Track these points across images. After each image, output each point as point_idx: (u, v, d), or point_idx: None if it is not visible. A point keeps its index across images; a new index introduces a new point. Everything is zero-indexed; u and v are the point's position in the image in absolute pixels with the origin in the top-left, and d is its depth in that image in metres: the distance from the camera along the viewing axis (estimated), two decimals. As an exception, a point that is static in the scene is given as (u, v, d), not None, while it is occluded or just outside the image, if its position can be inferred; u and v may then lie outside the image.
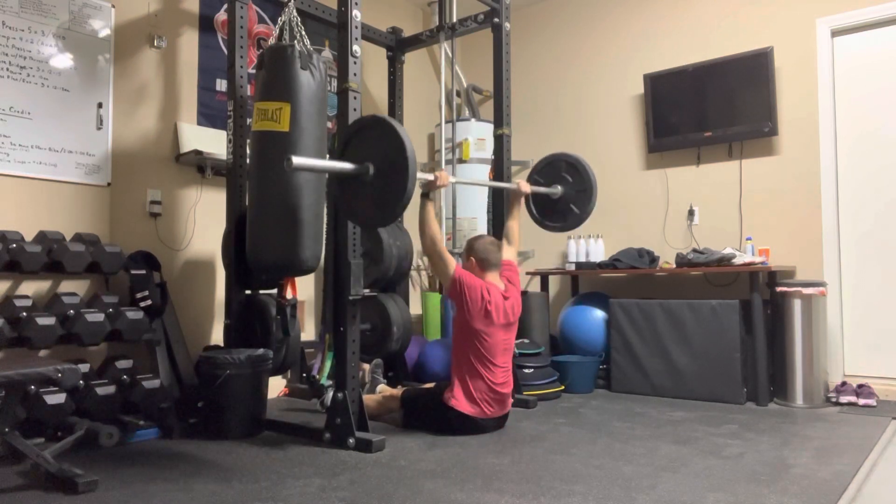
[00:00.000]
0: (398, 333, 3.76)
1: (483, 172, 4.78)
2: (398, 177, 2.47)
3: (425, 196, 3.01)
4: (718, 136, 4.29)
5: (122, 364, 3.10)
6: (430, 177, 2.94)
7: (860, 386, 3.72)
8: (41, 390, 2.68)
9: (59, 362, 2.26)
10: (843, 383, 3.76)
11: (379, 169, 2.54)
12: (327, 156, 3.25)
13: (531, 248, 5.11)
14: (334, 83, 3.31)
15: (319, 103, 3.06)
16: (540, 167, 3.75)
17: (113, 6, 3.43)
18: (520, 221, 3.52)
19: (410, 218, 4.77)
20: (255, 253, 3.08)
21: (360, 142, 2.62)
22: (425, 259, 5.11)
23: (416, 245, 4.72)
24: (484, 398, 2.98)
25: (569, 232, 4.89)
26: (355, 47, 2.93)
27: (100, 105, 3.37)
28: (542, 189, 3.64)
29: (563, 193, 3.65)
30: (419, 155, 5.34)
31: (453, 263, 3.04)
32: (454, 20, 4.22)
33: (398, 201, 2.49)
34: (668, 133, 4.50)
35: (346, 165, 2.56)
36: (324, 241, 3.23)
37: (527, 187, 3.53)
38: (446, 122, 4.64)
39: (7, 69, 3.05)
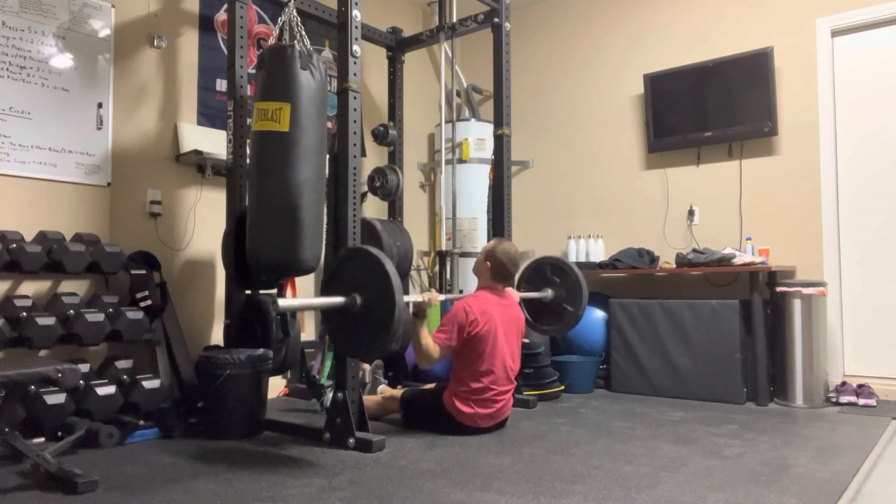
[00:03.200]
0: (398, 333, 3.75)
1: (483, 172, 4.78)
2: (385, 309, 2.42)
3: (416, 315, 2.93)
4: (718, 136, 4.29)
5: (122, 364, 3.10)
6: (420, 298, 2.92)
7: (860, 386, 3.72)
8: (41, 390, 2.68)
9: (59, 362, 2.26)
10: (843, 383, 3.76)
11: (366, 301, 2.48)
12: (326, 158, 3.24)
13: (531, 248, 5.10)
14: (334, 83, 3.31)
15: (319, 103, 3.06)
16: (527, 275, 3.77)
17: (113, 6, 3.43)
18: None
19: (410, 216, 4.78)
20: (255, 253, 3.08)
21: (348, 271, 2.57)
22: (425, 259, 5.12)
23: (417, 245, 4.73)
24: (484, 401, 2.98)
25: (569, 231, 4.92)
26: (355, 47, 2.93)
27: (100, 105, 3.37)
28: (531, 294, 3.65)
29: (554, 296, 3.68)
30: (419, 155, 5.35)
31: (439, 347, 2.94)
32: (454, 20, 4.22)
33: (385, 336, 2.42)
34: (668, 133, 4.50)
35: (335, 300, 2.50)
36: (324, 241, 3.23)
37: (515, 295, 3.43)
38: (446, 122, 4.64)
39: (7, 69, 3.05)
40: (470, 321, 2.94)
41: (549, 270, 3.72)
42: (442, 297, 3.12)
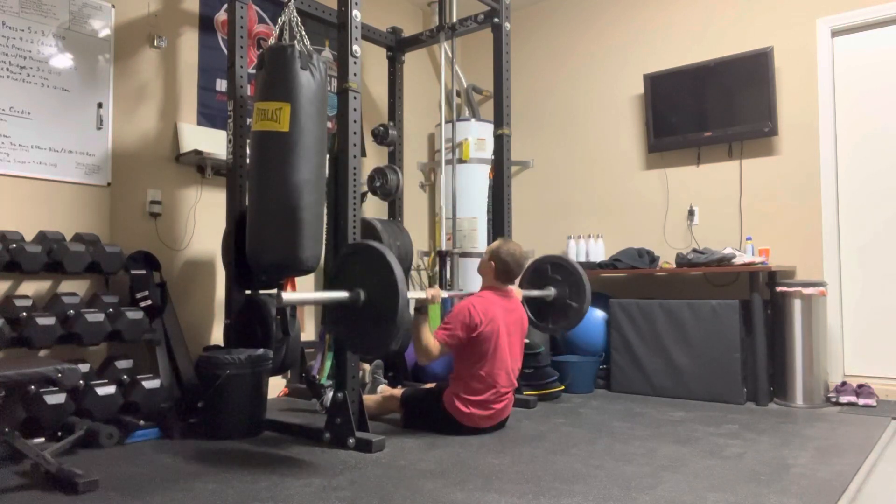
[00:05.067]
0: (402, 328, 3.75)
1: (483, 172, 4.78)
2: (389, 303, 2.43)
3: (418, 311, 2.94)
4: (718, 136, 4.29)
5: (122, 364, 3.10)
6: (423, 295, 2.93)
7: (860, 386, 3.72)
8: (41, 390, 2.68)
9: (59, 362, 2.26)
10: (843, 383, 3.76)
11: (370, 296, 2.50)
12: (326, 166, 3.24)
13: (531, 247, 5.10)
14: (334, 83, 3.31)
15: (319, 103, 3.06)
16: (527, 276, 3.76)
17: (113, 6, 3.43)
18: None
19: (410, 216, 4.78)
20: (255, 253, 3.08)
21: (352, 266, 2.58)
22: (425, 259, 5.12)
23: (417, 245, 4.73)
24: (484, 404, 2.97)
25: (569, 231, 4.92)
26: (355, 47, 2.93)
27: (100, 105, 3.37)
28: (534, 293, 3.64)
29: (557, 294, 3.66)
30: (419, 155, 5.35)
31: (439, 345, 2.94)
32: (454, 20, 4.22)
33: (389, 333, 2.43)
34: (668, 133, 4.50)
35: (340, 295, 2.51)
36: (324, 241, 3.23)
37: (518, 293, 3.45)
38: (446, 122, 4.64)
39: (7, 69, 3.05)
40: (474, 322, 2.94)
41: (549, 269, 3.72)
42: (445, 294, 3.12)
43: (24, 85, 3.10)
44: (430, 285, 5.04)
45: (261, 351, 3.11)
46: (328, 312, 2.71)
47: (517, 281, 3.29)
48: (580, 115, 5.04)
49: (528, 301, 3.67)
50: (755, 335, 3.75)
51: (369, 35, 4.31)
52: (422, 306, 2.94)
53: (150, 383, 3.04)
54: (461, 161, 4.78)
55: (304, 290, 4.22)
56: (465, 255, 4.49)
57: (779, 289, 3.78)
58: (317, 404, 3.43)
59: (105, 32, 3.40)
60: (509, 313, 3.09)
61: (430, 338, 2.93)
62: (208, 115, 3.84)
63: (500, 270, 3.10)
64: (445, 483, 2.28)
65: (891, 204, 3.88)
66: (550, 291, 3.66)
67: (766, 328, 3.77)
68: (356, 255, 2.60)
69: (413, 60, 5.00)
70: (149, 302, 3.26)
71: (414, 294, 2.83)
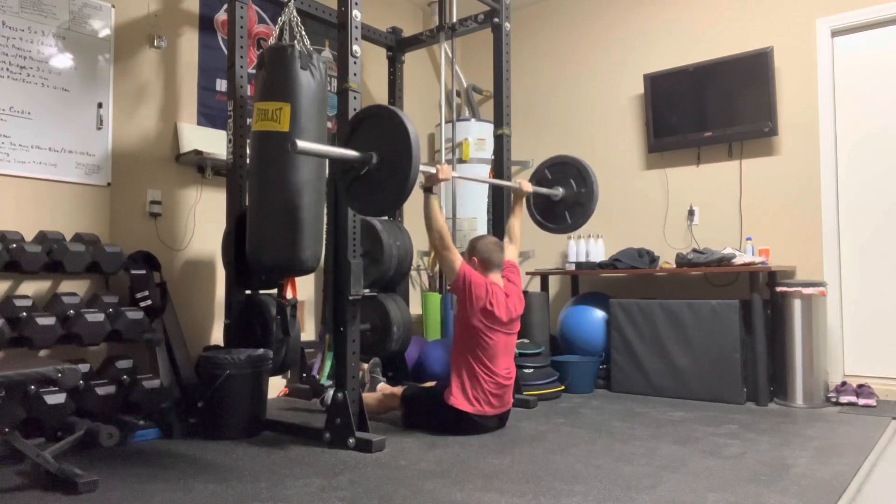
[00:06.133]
0: (398, 333, 3.76)
1: (483, 172, 4.78)
2: (401, 165, 2.50)
3: (428, 190, 3.03)
4: (718, 136, 4.29)
5: (122, 364, 3.10)
6: (432, 170, 2.99)
7: (860, 386, 3.72)
8: (41, 390, 2.68)
9: (59, 362, 2.25)
10: (843, 383, 3.76)
11: (383, 158, 2.57)
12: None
13: (531, 248, 5.11)
14: (334, 83, 3.31)
15: (319, 103, 3.06)
16: (540, 172, 3.78)
17: (113, 6, 3.43)
18: (522, 221, 3.53)
19: (410, 217, 4.77)
20: (256, 253, 3.08)
21: (364, 132, 2.65)
22: (425, 259, 5.12)
23: (417, 245, 4.72)
24: (484, 394, 2.98)
25: (569, 232, 4.91)
26: (355, 47, 2.93)
27: (100, 105, 3.37)
28: (543, 189, 3.66)
29: (564, 195, 3.69)
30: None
31: (460, 258, 3.06)
32: (454, 20, 4.22)
33: (401, 189, 2.51)
34: (668, 133, 4.50)
35: (351, 153, 2.59)
36: (324, 241, 3.23)
37: (528, 186, 3.55)
38: (446, 122, 4.64)
39: (7, 69, 3.05)
40: (488, 299, 2.99)
41: (548, 172, 3.75)
42: (455, 173, 3.16)
43: (24, 85, 3.10)
44: (430, 286, 5.04)
45: (261, 351, 3.11)
46: (334, 171, 2.71)
47: (507, 249, 3.33)
48: (580, 115, 5.04)
49: (541, 209, 3.75)
50: (755, 335, 3.75)
51: (369, 35, 4.31)
52: (430, 185, 3.01)
53: (150, 383, 3.04)
54: (461, 161, 4.78)
55: (304, 290, 4.22)
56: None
57: (779, 289, 3.78)
58: (317, 403, 3.43)
59: (105, 32, 3.40)
60: (507, 298, 3.10)
61: (443, 219, 3.04)
62: (208, 115, 3.84)
63: (483, 261, 3.14)
64: (445, 483, 2.28)
65: (891, 204, 3.88)
66: (558, 191, 3.70)
67: (766, 328, 3.77)
68: (366, 121, 2.65)
69: (413, 60, 5.00)
70: (149, 302, 3.26)
71: (423, 167, 2.86)
